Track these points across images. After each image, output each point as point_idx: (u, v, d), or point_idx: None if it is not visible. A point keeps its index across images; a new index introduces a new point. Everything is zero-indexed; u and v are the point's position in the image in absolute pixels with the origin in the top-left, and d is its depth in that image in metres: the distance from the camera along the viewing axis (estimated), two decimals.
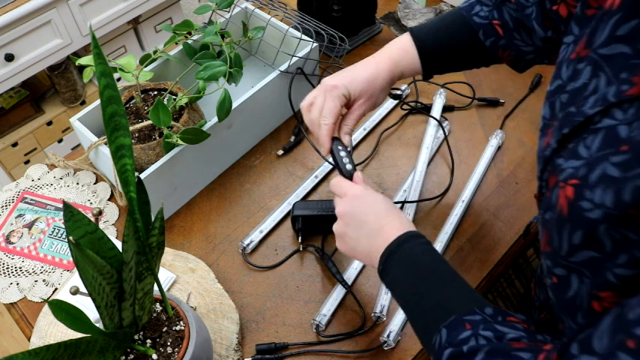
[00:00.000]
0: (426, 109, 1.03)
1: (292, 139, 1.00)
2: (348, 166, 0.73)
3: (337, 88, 0.73)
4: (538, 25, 0.68)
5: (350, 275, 0.82)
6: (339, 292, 0.80)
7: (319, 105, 0.74)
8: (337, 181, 0.72)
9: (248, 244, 0.85)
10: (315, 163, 0.97)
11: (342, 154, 0.74)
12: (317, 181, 0.94)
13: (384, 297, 0.79)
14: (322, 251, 0.84)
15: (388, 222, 0.65)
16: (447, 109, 1.04)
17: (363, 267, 0.83)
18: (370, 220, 0.66)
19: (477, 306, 0.53)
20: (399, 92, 1.05)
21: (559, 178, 0.48)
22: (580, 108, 0.49)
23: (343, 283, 0.80)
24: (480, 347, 0.48)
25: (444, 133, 0.99)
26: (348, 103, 0.76)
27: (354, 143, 0.99)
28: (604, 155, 0.44)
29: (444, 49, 0.76)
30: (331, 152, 0.75)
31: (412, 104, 1.04)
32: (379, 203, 0.67)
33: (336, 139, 0.75)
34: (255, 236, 0.86)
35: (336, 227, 0.69)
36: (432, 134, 0.98)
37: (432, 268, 0.59)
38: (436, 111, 1.02)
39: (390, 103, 1.05)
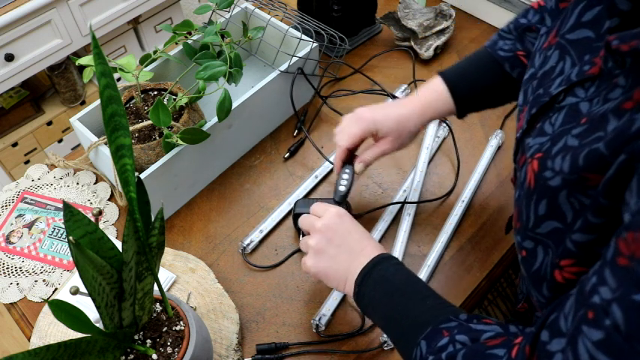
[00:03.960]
0: None
1: (295, 133, 1.01)
2: (341, 188, 0.76)
3: (365, 120, 0.76)
4: None
5: None
6: (339, 292, 0.80)
7: (345, 130, 0.77)
8: (318, 204, 0.72)
9: (248, 244, 0.85)
10: (315, 163, 0.97)
11: (344, 177, 0.77)
12: (317, 181, 0.94)
13: None
14: None
15: (369, 243, 0.66)
16: None
17: None
18: (355, 238, 0.66)
19: (452, 314, 0.54)
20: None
21: (527, 156, 0.52)
22: (547, 89, 0.54)
23: None
24: (457, 352, 0.49)
25: (450, 131, 0.98)
26: (375, 138, 0.78)
27: None
28: (566, 129, 0.48)
29: (474, 87, 0.78)
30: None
31: None
32: (359, 226, 0.68)
33: (348, 164, 0.78)
34: (255, 236, 0.86)
35: (314, 242, 0.67)
36: (432, 134, 0.98)
37: (406, 285, 0.60)
38: None
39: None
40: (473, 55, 0.79)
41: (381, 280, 0.61)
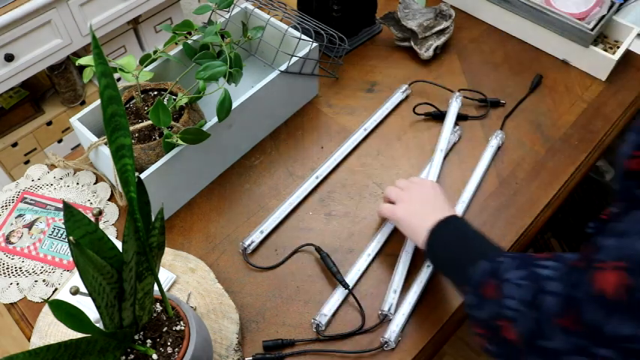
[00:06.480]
0: (441, 115, 1.02)
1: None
2: None
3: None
4: None
5: (350, 275, 0.82)
6: (339, 292, 0.80)
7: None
8: (416, 178, 0.86)
9: (249, 245, 0.85)
10: (315, 163, 0.97)
11: None
12: (317, 181, 0.94)
13: (392, 295, 0.79)
14: (322, 251, 0.84)
15: (452, 209, 0.78)
16: (460, 117, 1.02)
17: (366, 268, 0.83)
18: (440, 202, 0.79)
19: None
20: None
21: None
22: None
23: (343, 283, 0.80)
24: (511, 257, 0.58)
25: (459, 137, 0.99)
26: None
27: (356, 142, 0.99)
28: None
29: None
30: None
31: (423, 107, 1.04)
32: (447, 198, 0.81)
33: None
34: (256, 237, 0.86)
35: (408, 196, 0.81)
36: (446, 137, 0.97)
37: (477, 236, 0.70)
38: (451, 117, 1.00)
39: (391, 103, 1.05)
40: None
41: (455, 228, 0.73)
